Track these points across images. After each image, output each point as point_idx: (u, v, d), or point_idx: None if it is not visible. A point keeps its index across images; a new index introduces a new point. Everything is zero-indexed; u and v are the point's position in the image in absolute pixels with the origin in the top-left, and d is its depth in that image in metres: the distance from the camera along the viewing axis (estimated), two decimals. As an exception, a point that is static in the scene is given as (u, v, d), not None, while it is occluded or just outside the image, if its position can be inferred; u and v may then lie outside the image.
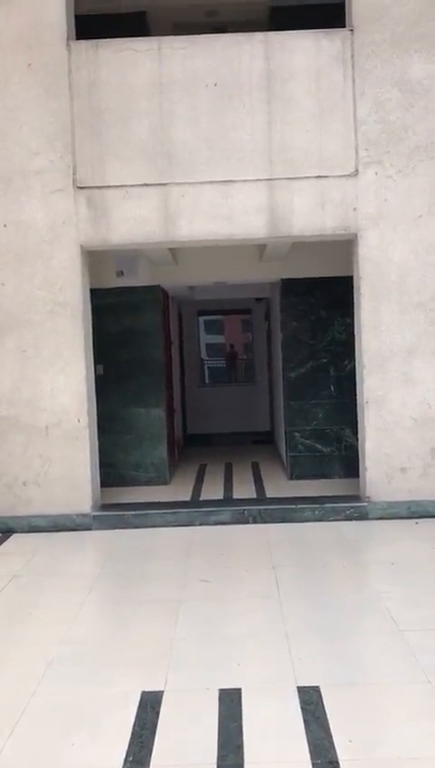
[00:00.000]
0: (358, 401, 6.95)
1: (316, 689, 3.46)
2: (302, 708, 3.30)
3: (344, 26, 6.63)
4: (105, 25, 7.79)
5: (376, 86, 6.47)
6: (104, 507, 6.97)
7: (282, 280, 8.42)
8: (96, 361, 7.23)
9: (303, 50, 6.53)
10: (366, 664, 3.79)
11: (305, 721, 3.19)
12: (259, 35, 6.61)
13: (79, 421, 6.66)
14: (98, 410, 7.12)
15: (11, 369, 6.68)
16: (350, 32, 6.50)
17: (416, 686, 3.47)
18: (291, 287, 8.38)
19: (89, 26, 7.08)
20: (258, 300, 12.48)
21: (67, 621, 4.50)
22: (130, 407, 8.20)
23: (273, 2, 8.49)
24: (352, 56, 6.48)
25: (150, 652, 3.99)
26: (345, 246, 6.95)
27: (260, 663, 3.81)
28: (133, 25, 8.40)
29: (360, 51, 6.47)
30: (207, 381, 15.88)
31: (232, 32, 8.61)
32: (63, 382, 6.66)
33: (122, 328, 8.25)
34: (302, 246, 7.44)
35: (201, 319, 15.34)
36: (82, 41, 6.60)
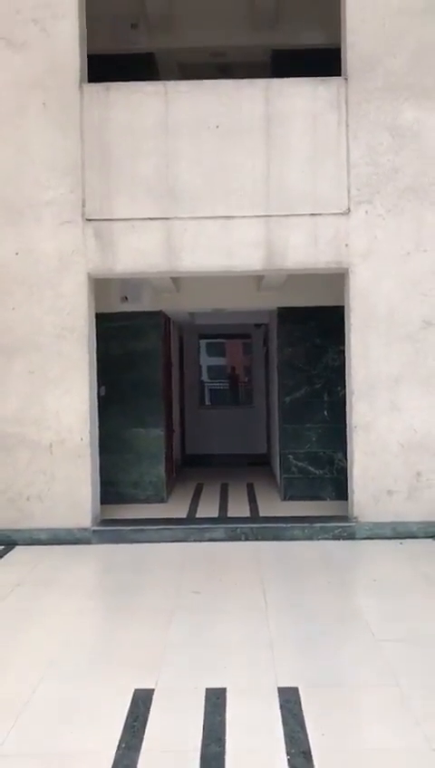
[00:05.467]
0: (347, 426, 7.30)
1: (295, 690, 3.77)
2: (281, 706, 3.61)
3: (340, 74, 7.07)
4: (115, 66, 8.28)
5: (368, 131, 6.90)
6: (103, 523, 7.29)
7: (278, 308, 8.81)
8: (99, 383, 7.59)
9: (300, 95, 6.98)
10: (343, 669, 4.11)
11: (283, 717, 3.50)
12: (260, 81, 7.06)
13: (81, 440, 7.01)
14: (100, 430, 7.48)
15: (19, 389, 7.04)
16: (344, 80, 6.95)
17: (386, 689, 3.79)
18: (287, 315, 8.77)
19: (99, 66, 7.53)
20: (257, 325, 12.88)
21: (66, 626, 4.82)
22: (130, 427, 8.56)
23: (274, 45, 8.99)
24: (347, 102, 6.92)
25: (144, 655, 4.31)
26: (339, 278, 7.35)
27: (245, 666, 4.13)
28: (142, 66, 8.92)
29: (354, 97, 6.91)
30: (208, 403, 16.20)
31: (236, 72, 9.14)
32: (68, 403, 7.02)
33: (125, 351, 8.63)
34: (298, 277, 7.83)
35: (204, 342, 15.74)
36: (93, 83, 7.05)
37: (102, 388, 7.98)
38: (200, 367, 17.70)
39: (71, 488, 7.04)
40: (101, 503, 7.53)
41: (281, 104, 6.97)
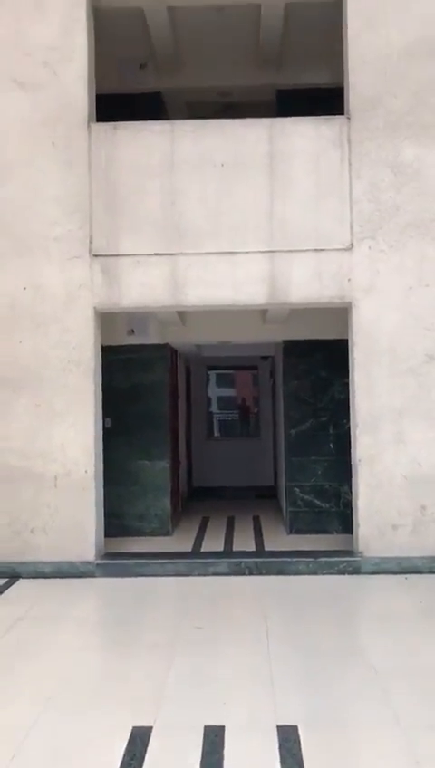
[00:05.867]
0: (352, 459, 7.30)
1: (294, 728, 3.74)
2: (280, 745, 3.58)
3: (343, 112, 7.22)
4: (123, 105, 8.48)
5: (370, 168, 7.02)
6: (107, 556, 7.29)
7: (284, 341, 8.87)
8: (105, 415, 7.64)
9: (304, 134, 7.11)
10: (343, 706, 4.06)
11: (282, 756, 3.47)
12: (264, 121, 7.21)
13: (86, 472, 7.04)
14: (105, 462, 7.51)
15: (25, 421, 7.10)
16: (347, 119, 7.09)
17: (387, 727, 3.75)
18: (292, 348, 8.82)
19: (108, 105, 7.72)
20: (264, 358, 12.95)
21: (67, 661, 4.80)
22: (135, 459, 8.58)
23: (279, 85, 9.19)
24: (349, 141, 7.05)
25: (143, 691, 4.29)
26: (343, 311, 7.41)
27: (244, 703, 4.10)
28: (150, 105, 9.12)
29: (356, 136, 7.05)
30: (216, 434, 16.20)
31: (242, 110, 9.31)
32: (73, 435, 7.07)
33: (131, 383, 8.69)
34: (303, 310, 7.89)
35: (213, 373, 15.79)
36: (101, 123, 7.23)
37: (108, 420, 8.03)
38: (209, 398, 17.71)
39: (75, 521, 7.05)
40: (106, 535, 7.53)
41: (284, 142, 7.11)
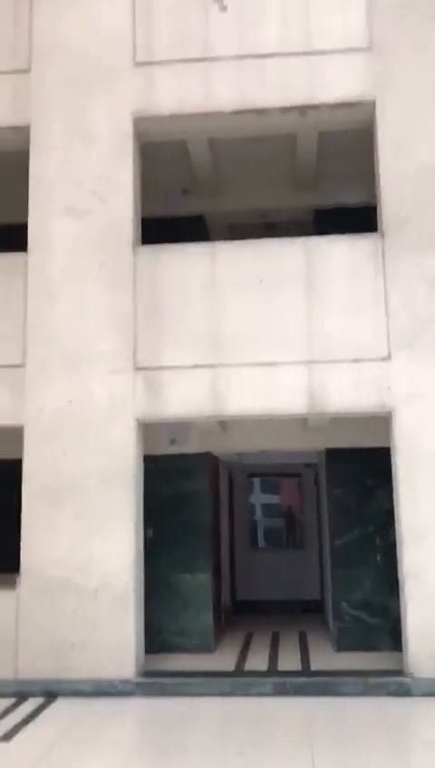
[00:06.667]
0: (399, 573, 7.06)
1: None
2: None
3: (376, 230, 7.50)
4: (167, 227, 8.95)
5: (405, 281, 7.20)
6: (147, 674, 7.07)
7: (326, 449, 8.84)
8: (146, 524, 7.62)
9: (339, 251, 7.39)
10: None
11: None
12: (301, 239, 7.53)
13: (126, 586, 6.96)
14: (146, 574, 7.42)
15: (67, 532, 7.13)
16: (381, 236, 7.36)
17: None
18: (335, 455, 8.77)
19: (153, 229, 8.17)
20: (307, 465, 12.85)
21: (103, 790, 4.59)
22: (177, 571, 8.44)
23: (316, 205, 9.63)
24: (383, 256, 7.28)
25: None
26: (385, 419, 7.40)
27: None
28: (193, 226, 9.60)
29: (390, 252, 7.28)
30: (261, 543, 15.86)
31: (281, 229, 9.75)
32: (114, 547, 7.05)
33: (173, 492, 8.68)
34: (344, 418, 7.88)
35: (257, 479, 15.66)
36: (146, 245, 7.64)
37: (150, 530, 7.99)
38: (253, 506, 17.48)
39: (115, 637, 6.91)
40: (147, 651, 7.33)
41: (321, 259, 7.38)
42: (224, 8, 7.81)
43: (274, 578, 12.86)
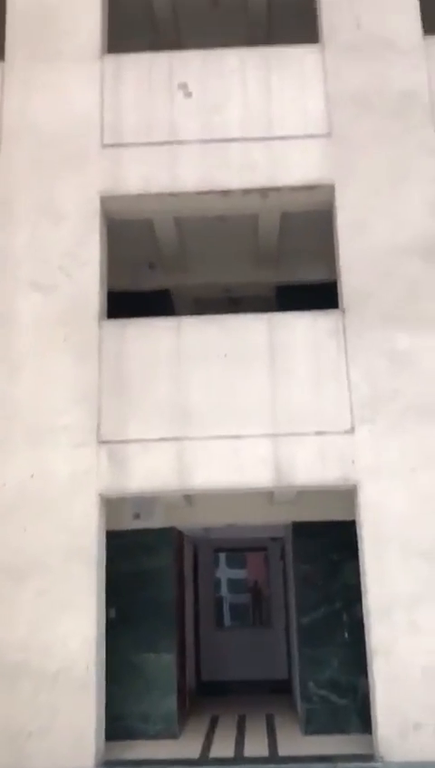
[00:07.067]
0: (367, 650, 6.93)
1: None
2: None
3: (337, 306, 7.68)
4: (133, 301, 9.06)
5: (366, 356, 7.34)
6: (108, 764, 6.72)
7: (292, 522, 8.77)
8: (109, 604, 7.37)
9: (301, 326, 7.53)
10: None
11: None
12: (265, 315, 7.67)
13: (87, 668, 6.70)
14: (108, 654, 7.15)
15: (27, 613, 6.88)
16: (342, 312, 7.53)
17: None
18: (302, 529, 8.70)
19: (119, 302, 8.24)
20: (274, 539, 12.70)
21: None
22: (140, 652, 8.16)
23: (278, 281, 9.88)
24: (344, 331, 7.44)
25: None
26: (350, 492, 7.39)
27: None
28: (158, 301, 9.76)
29: (351, 327, 7.44)
30: (226, 621, 15.46)
31: (244, 304, 9.97)
32: (75, 628, 6.80)
33: (136, 569, 8.48)
34: (310, 491, 7.86)
35: (222, 553, 15.40)
36: (112, 320, 7.70)
37: (112, 609, 7.75)
38: (219, 580, 17.12)
39: (74, 724, 6.59)
40: (108, 738, 7.00)
41: (284, 334, 7.50)
42: (189, 94, 8.16)
43: (240, 657, 12.50)
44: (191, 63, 8.26)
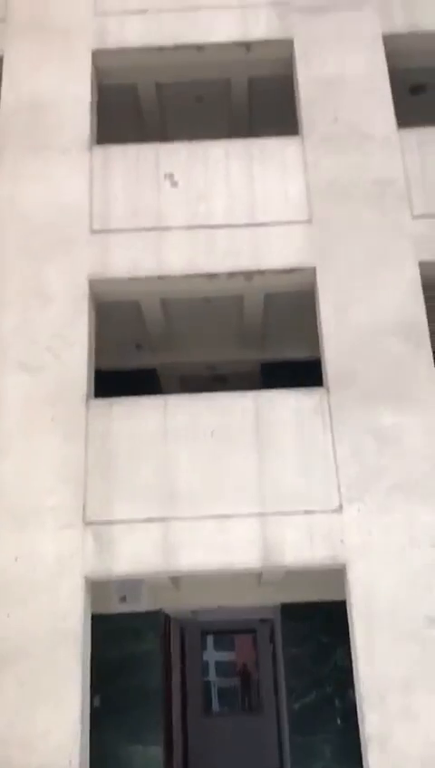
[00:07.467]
0: (361, 738, 6.71)
1: None
2: None
3: (321, 384, 7.80)
4: (120, 380, 9.16)
5: (351, 434, 7.40)
6: None
7: (281, 604, 8.63)
8: (93, 691, 7.12)
9: (287, 404, 7.61)
10: None
11: None
12: (251, 393, 7.76)
13: (70, 764, 6.41)
14: (92, 747, 6.86)
15: (7, 704, 6.62)
16: (326, 390, 7.65)
17: None
18: (291, 611, 8.59)
19: (106, 382, 8.32)
20: (263, 621, 12.43)
21: None
22: (126, 744, 7.87)
23: (262, 360, 10.06)
24: (329, 409, 7.53)
25: None
26: (339, 572, 7.30)
27: None
28: (145, 379, 9.88)
29: (335, 405, 7.53)
30: (214, 706, 14.94)
31: (230, 382, 10.09)
32: (57, 719, 6.55)
33: (122, 654, 8.27)
34: (299, 572, 7.78)
35: (210, 635, 15.00)
36: (99, 399, 7.75)
37: (97, 698, 7.50)
38: (206, 663, 16.61)
39: None
40: None
41: (270, 412, 7.58)
42: (175, 183, 8.49)
43: (229, 746, 12.02)
44: (177, 154, 8.63)
